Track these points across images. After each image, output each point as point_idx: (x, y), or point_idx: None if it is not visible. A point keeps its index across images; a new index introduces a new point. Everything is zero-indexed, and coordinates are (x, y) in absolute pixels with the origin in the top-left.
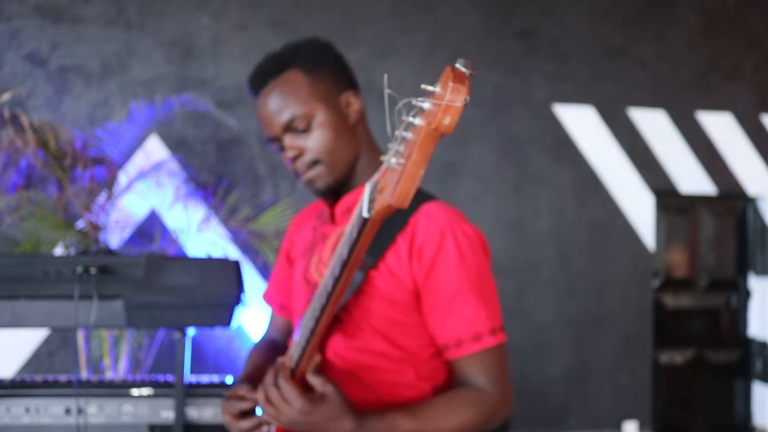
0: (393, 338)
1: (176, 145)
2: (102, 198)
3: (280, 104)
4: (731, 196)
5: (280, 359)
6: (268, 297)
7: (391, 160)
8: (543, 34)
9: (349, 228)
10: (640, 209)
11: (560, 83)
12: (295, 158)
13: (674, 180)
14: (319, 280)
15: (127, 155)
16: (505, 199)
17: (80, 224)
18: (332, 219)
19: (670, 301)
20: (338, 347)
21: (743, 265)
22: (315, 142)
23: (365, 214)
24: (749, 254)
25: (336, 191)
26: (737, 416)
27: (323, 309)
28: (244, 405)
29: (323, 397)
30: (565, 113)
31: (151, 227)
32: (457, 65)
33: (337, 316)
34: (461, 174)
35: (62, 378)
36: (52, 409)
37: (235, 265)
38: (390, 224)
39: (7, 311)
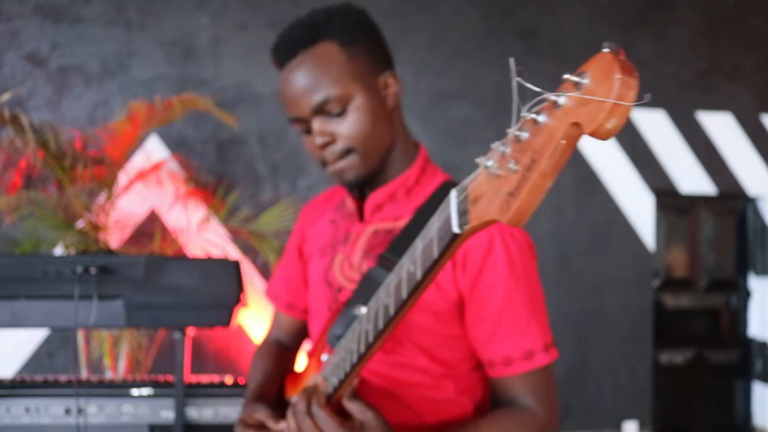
0: (433, 352)
1: (176, 145)
2: (102, 198)
3: (311, 82)
4: (731, 196)
5: (312, 381)
6: (273, 294)
7: (488, 162)
8: (543, 34)
9: (422, 243)
10: (640, 209)
11: (560, 83)
12: (325, 145)
13: (674, 180)
14: (343, 283)
15: (127, 155)
16: None
17: (80, 224)
18: (360, 215)
19: (670, 301)
20: (375, 363)
21: (743, 265)
22: (350, 128)
23: (456, 229)
24: (749, 254)
25: (364, 184)
26: (737, 416)
27: (379, 333)
28: None
29: (363, 426)
30: None
31: (151, 227)
32: (605, 50)
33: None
34: (461, 174)
35: (62, 378)
36: (52, 409)
37: (235, 265)
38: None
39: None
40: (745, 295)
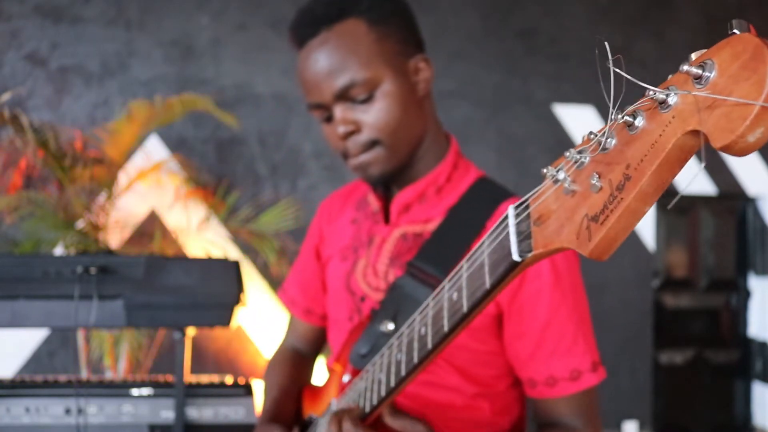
0: (466, 369)
1: (176, 145)
2: (102, 198)
3: (335, 64)
4: (731, 196)
5: (339, 405)
6: (288, 299)
7: (559, 175)
8: (543, 34)
9: (469, 267)
10: None
11: (560, 83)
12: (348, 135)
13: (674, 180)
14: (366, 291)
15: (127, 155)
16: None
17: (80, 224)
18: (385, 216)
19: (670, 301)
20: None
21: (743, 265)
22: (377, 117)
23: (516, 258)
24: (749, 254)
25: (390, 180)
26: (737, 416)
27: (414, 368)
28: None
29: None
30: (565, 113)
31: (151, 227)
32: (736, 31)
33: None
34: None
35: (62, 378)
36: (52, 409)
37: (235, 265)
38: (465, 231)
39: (7, 311)
40: (745, 295)
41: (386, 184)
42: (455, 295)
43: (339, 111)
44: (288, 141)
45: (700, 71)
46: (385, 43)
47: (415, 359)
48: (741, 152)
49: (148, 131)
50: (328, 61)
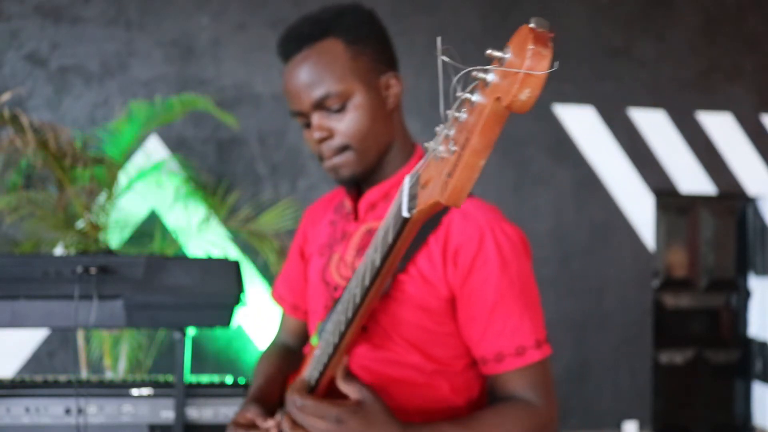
0: (425, 349)
1: (176, 145)
2: (102, 198)
3: (314, 77)
4: (731, 196)
5: (303, 375)
6: (278, 296)
7: (438, 147)
8: None
9: (382, 229)
10: (640, 209)
11: (560, 83)
12: (322, 140)
13: (674, 180)
14: (339, 282)
15: (127, 155)
16: (505, 199)
17: (80, 224)
18: (355, 215)
19: (670, 301)
20: (364, 359)
21: (743, 265)
22: (348, 125)
23: (405, 214)
24: (749, 254)
25: (360, 182)
26: (737, 416)
27: (349, 323)
28: None
29: (360, 403)
30: (565, 113)
31: (151, 227)
32: (533, 25)
33: (363, 325)
34: None
35: (62, 378)
36: (52, 409)
37: (235, 265)
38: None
39: (7, 311)
40: (745, 295)
41: (357, 186)
42: (374, 254)
43: (316, 118)
44: (288, 141)
45: (500, 54)
46: (358, 61)
47: (350, 314)
48: (519, 109)
49: (148, 131)
50: (308, 75)
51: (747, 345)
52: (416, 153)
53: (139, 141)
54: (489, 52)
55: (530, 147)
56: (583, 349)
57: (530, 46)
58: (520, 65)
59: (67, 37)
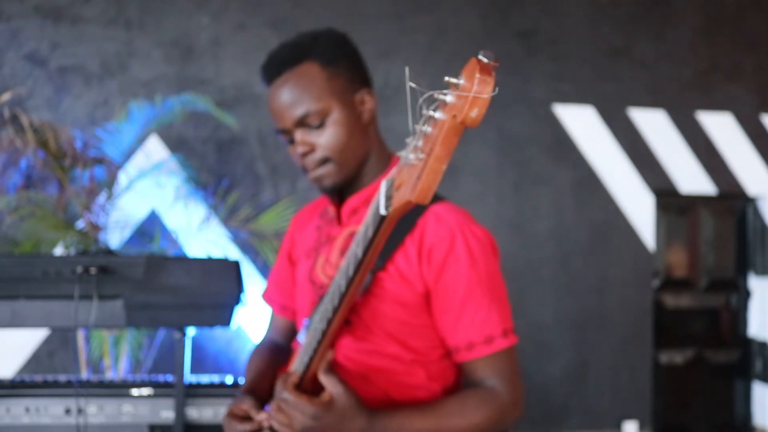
0: (403, 340)
1: (176, 145)
2: (102, 198)
3: (294, 98)
4: (731, 196)
5: (292, 366)
6: (268, 297)
7: (408, 156)
8: (543, 34)
9: (363, 227)
10: (640, 209)
11: (560, 83)
12: (305, 154)
13: (674, 180)
14: (325, 281)
15: (127, 155)
16: (505, 199)
17: (80, 224)
18: (339, 220)
19: (670, 301)
20: (348, 350)
21: (743, 265)
22: (327, 139)
23: (383, 212)
24: (749, 254)
25: (342, 190)
26: (737, 416)
27: (335, 310)
28: (248, 427)
29: (333, 398)
30: (565, 113)
31: (151, 227)
32: (481, 57)
33: (347, 319)
34: (461, 174)
35: (62, 378)
36: (52, 409)
37: (235, 265)
38: (398, 225)
39: (7, 311)
40: (745, 295)
41: (340, 194)
42: (356, 249)
43: (298, 135)
44: None
45: (456, 81)
46: (334, 81)
47: (336, 302)
48: (471, 124)
49: (148, 131)
50: (289, 96)
51: (747, 345)
52: (392, 162)
53: (139, 141)
54: (447, 79)
55: (530, 147)
56: (583, 349)
57: (477, 75)
58: (470, 90)
59: (67, 37)
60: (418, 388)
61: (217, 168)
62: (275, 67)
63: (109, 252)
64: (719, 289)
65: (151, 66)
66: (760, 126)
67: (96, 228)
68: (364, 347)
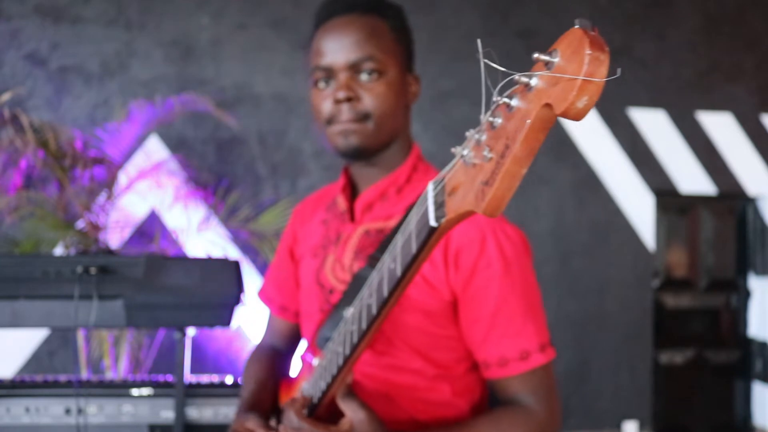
0: (427, 353)
1: (176, 145)
2: (102, 198)
3: (359, 39)
4: (731, 196)
5: (305, 386)
6: (265, 297)
7: (464, 152)
8: (543, 34)
9: (401, 238)
10: (640, 209)
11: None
12: (346, 100)
13: (674, 180)
14: (335, 284)
15: (127, 155)
16: None
17: (80, 224)
18: (351, 215)
19: (670, 301)
20: (367, 366)
21: (743, 265)
22: (377, 95)
23: (433, 223)
24: (749, 254)
25: (360, 158)
26: (737, 416)
27: (363, 334)
28: None
29: (353, 426)
30: None
31: (151, 227)
32: (578, 26)
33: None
34: None
35: (62, 378)
36: (52, 409)
37: (235, 265)
38: None
39: (7, 311)
40: (745, 295)
41: (353, 187)
42: (392, 264)
43: (345, 77)
44: (288, 141)
45: (548, 57)
46: (399, 47)
47: (364, 326)
48: (575, 117)
49: (148, 131)
50: (354, 35)
51: (747, 345)
52: (413, 151)
53: (139, 141)
54: (536, 55)
55: None
56: (583, 349)
57: (588, 51)
58: (573, 70)
59: (67, 37)
60: (443, 406)
61: (217, 168)
62: (345, 6)
63: (109, 252)
64: (719, 289)
65: (151, 66)
66: (760, 126)
67: (96, 228)
68: (385, 362)
